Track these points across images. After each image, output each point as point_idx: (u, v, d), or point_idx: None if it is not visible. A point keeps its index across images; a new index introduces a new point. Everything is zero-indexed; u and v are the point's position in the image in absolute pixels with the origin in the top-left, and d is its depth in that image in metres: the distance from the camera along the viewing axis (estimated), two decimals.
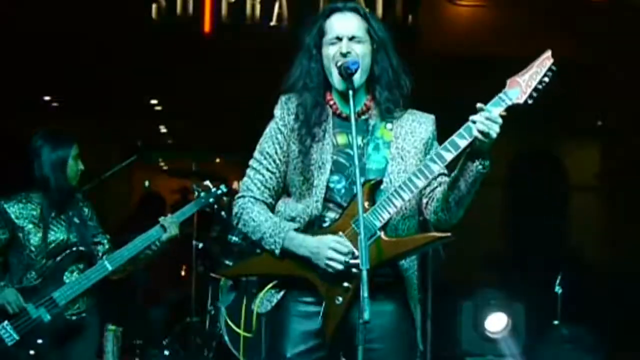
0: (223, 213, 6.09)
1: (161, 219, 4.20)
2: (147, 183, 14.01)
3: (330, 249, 2.75)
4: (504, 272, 6.31)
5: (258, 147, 2.98)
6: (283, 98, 2.95)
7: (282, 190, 2.98)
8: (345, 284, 2.76)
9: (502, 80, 2.80)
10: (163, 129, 14.03)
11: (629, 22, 8.41)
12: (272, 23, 9.01)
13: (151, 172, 13.63)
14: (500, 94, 2.74)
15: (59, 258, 4.03)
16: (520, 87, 2.73)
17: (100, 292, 4.18)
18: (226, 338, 5.42)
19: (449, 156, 2.73)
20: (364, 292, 2.44)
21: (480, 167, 2.72)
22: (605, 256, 10.01)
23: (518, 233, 10.17)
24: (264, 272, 2.91)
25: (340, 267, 2.73)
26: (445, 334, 6.10)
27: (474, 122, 2.68)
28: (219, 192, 4.61)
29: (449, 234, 2.79)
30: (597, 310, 6.79)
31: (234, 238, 5.78)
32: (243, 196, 2.96)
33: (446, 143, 2.74)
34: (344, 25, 2.87)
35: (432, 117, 3.00)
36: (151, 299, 6.53)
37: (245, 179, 2.99)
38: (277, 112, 2.96)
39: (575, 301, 5.96)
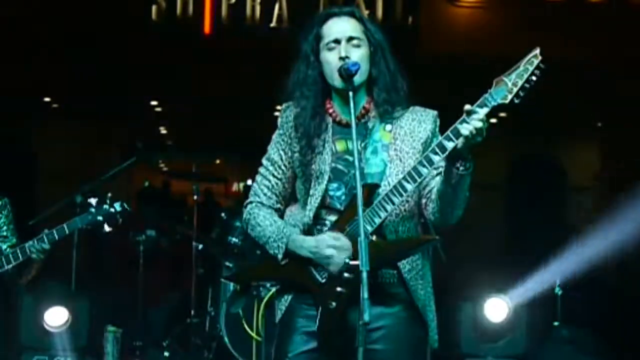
0: (223, 215, 6.10)
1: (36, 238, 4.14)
2: (147, 184, 14.04)
3: (328, 247, 2.78)
4: (504, 273, 6.29)
5: (266, 153, 3.01)
6: (283, 106, 2.98)
7: (291, 195, 3.00)
8: (339, 289, 2.77)
9: None
10: (163, 130, 14.03)
11: (628, 22, 8.41)
12: (272, 24, 9.03)
13: (151, 173, 13.64)
14: (486, 95, 2.66)
15: None
16: (507, 87, 2.65)
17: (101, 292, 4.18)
18: (226, 340, 5.41)
19: (436, 159, 2.70)
20: (364, 294, 2.44)
21: (462, 169, 2.70)
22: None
23: (518, 233, 10.17)
24: (269, 277, 2.98)
25: (340, 262, 2.75)
26: (445, 334, 6.09)
27: (461, 124, 2.64)
28: (111, 210, 4.18)
29: (436, 237, 2.81)
30: (598, 312, 6.78)
31: (234, 239, 5.78)
32: (251, 202, 3.01)
33: (434, 146, 2.71)
34: (341, 28, 2.87)
35: (433, 113, 2.95)
36: (151, 300, 6.51)
37: (253, 184, 3.02)
38: (279, 120, 2.99)
39: (575, 302, 5.96)
